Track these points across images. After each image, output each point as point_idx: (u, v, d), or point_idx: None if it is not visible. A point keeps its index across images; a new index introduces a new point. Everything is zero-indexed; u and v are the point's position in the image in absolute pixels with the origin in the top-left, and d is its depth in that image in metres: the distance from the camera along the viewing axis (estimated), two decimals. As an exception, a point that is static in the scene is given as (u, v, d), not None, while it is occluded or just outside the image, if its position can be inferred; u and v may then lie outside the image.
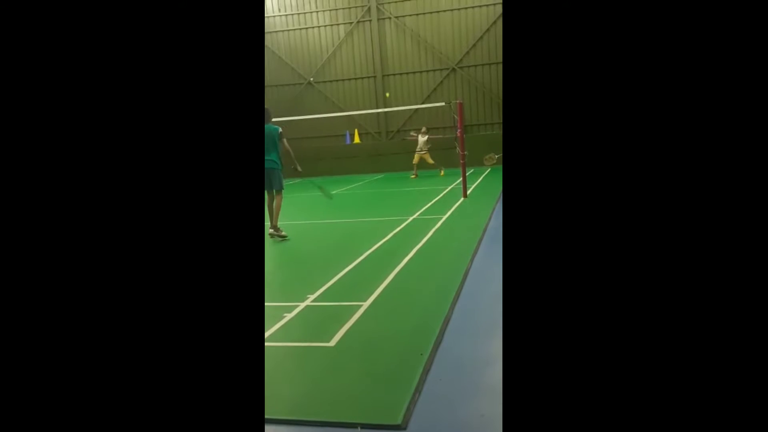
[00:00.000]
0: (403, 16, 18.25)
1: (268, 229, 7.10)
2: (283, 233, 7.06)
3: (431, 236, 6.62)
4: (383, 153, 16.41)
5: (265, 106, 7.22)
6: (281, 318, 3.94)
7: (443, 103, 12.24)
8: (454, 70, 18.09)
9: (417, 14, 18.15)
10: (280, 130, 7.08)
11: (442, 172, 14.63)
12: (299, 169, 7.25)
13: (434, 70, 18.27)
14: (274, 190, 7.05)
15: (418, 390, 2.75)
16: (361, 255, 5.83)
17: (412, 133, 15.38)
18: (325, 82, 19.18)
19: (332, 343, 3.44)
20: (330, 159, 18.19)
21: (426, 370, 2.95)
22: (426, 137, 14.57)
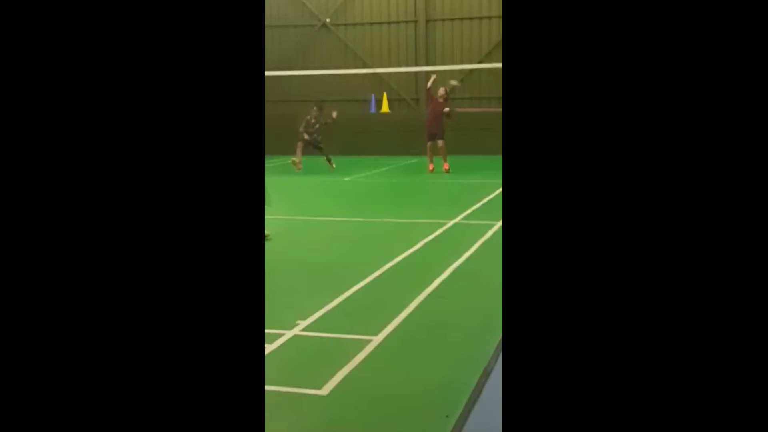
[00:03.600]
0: (461, -60, 18.23)
1: None
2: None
3: (476, 250, 6.60)
4: (420, 129, 16.31)
5: None
6: (258, 350, 3.96)
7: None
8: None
9: (480, -62, 18.10)
10: None
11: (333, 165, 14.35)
12: None
13: (499, 17, 18.14)
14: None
15: (439, 468, 2.74)
16: (377, 269, 5.84)
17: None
18: (346, 25, 19.27)
19: (325, 391, 3.45)
20: (347, 132, 18.16)
21: (452, 441, 2.94)
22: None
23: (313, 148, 14.25)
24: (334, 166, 14.34)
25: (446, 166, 13.70)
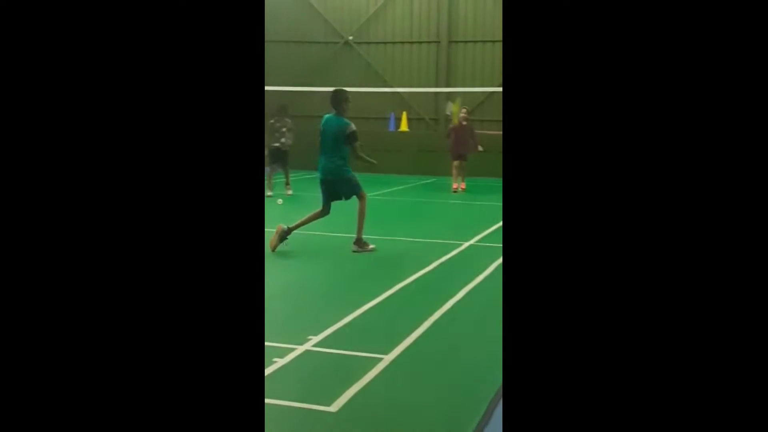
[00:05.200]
0: (486, -37, 18.32)
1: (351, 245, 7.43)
2: (370, 247, 7.40)
3: (492, 272, 6.58)
4: (438, 149, 16.37)
5: (340, 89, 7.50)
6: (270, 363, 3.97)
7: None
8: (549, 43, 18.06)
9: (505, -38, 18.21)
10: (351, 127, 7.23)
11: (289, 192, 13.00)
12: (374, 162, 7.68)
13: (521, 41, 18.25)
14: (354, 198, 7.51)
15: (447, 490, 2.71)
16: (390, 287, 5.85)
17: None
18: (368, 43, 19.39)
19: (334, 407, 3.44)
20: (364, 150, 18.11)
21: (461, 464, 2.92)
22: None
23: (280, 163, 12.80)
24: (290, 191, 12.93)
25: (463, 185, 14.22)
